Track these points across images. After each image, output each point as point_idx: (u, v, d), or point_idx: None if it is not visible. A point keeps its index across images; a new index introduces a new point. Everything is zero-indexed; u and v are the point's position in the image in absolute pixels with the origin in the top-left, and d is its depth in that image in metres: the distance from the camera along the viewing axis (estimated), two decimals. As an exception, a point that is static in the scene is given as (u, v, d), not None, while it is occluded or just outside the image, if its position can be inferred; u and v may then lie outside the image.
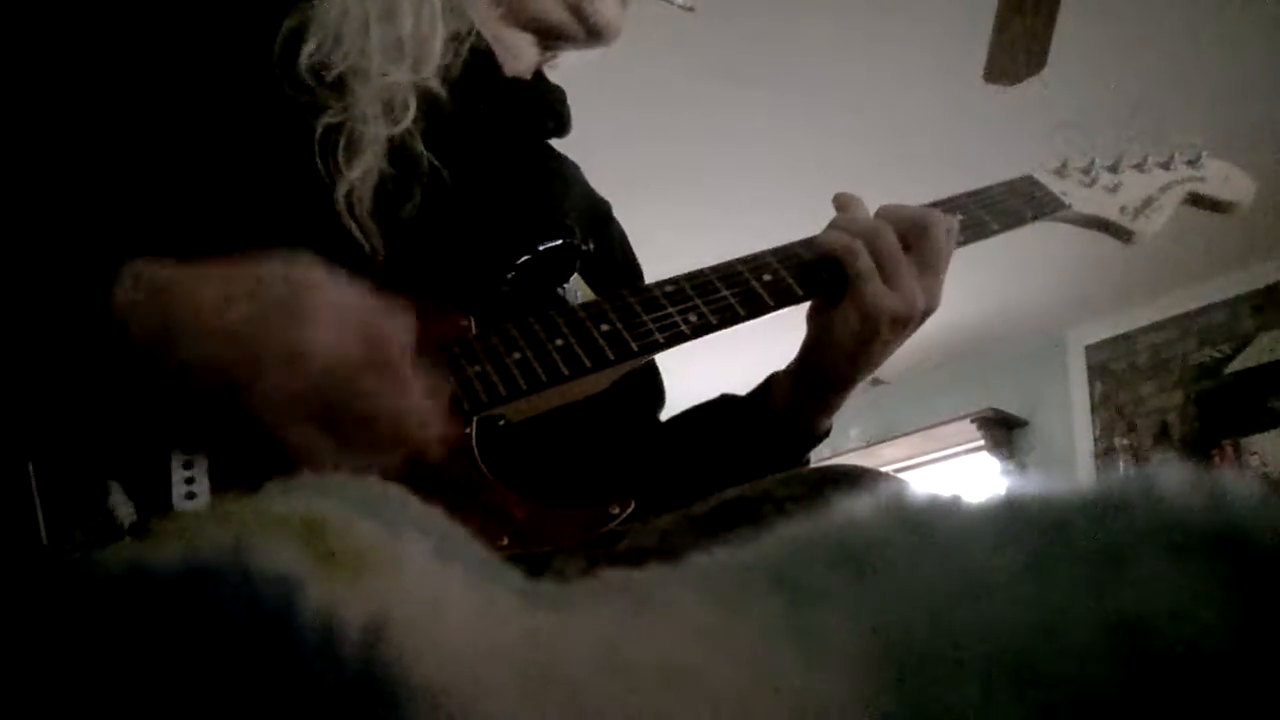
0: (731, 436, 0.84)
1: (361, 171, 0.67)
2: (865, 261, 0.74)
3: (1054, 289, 4.02)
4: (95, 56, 0.66)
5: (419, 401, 0.58)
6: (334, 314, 0.56)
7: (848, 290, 0.75)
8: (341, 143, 0.68)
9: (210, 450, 0.58)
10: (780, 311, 0.76)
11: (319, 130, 0.67)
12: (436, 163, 0.72)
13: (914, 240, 0.76)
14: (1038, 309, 4.19)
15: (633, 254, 0.97)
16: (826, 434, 0.83)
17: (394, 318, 0.58)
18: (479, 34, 0.81)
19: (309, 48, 0.69)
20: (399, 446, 0.58)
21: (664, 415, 0.93)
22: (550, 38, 0.90)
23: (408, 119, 0.70)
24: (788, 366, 0.82)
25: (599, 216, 0.95)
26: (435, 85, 0.73)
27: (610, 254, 0.92)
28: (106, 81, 0.66)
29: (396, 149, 0.70)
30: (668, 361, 0.82)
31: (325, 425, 0.56)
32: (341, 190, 0.67)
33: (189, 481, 0.56)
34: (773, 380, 0.84)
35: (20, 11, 0.67)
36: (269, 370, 0.54)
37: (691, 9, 0.94)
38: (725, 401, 0.88)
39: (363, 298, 0.58)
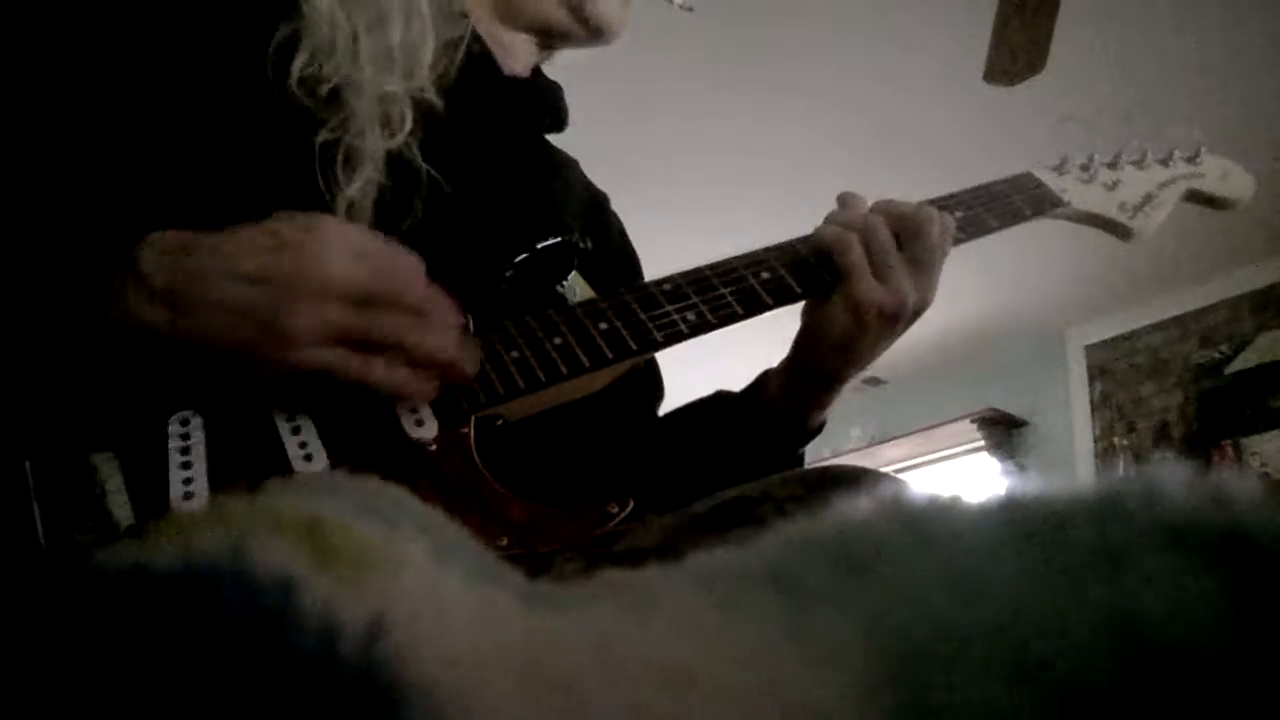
0: (726, 432, 0.84)
1: (361, 186, 0.67)
2: (857, 254, 0.74)
3: (1054, 289, 4.02)
4: (90, 77, 0.66)
5: (441, 319, 0.62)
6: (350, 245, 0.59)
7: (838, 284, 0.75)
8: (340, 158, 0.68)
9: (209, 419, 0.58)
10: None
11: (317, 146, 0.67)
12: (435, 174, 0.72)
13: (908, 237, 0.76)
14: (1038, 309, 4.19)
15: (631, 246, 0.97)
16: (820, 429, 0.83)
17: (405, 251, 0.62)
18: (478, 40, 0.81)
19: (300, 60, 0.69)
20: (429, 361, 0.61)
21: (661, 412, 0.92)
22: (550, 38, 0.89)
23: (404, 131, 0.70)
24: (781, 361, 0.82)
25: (597, 211, 0.95)
26: (432, 96, 0.73)
27: (608, 248, 0.92)
28: (102, 102, 0.66)
29: (395, 161, 0.70)
30: (668, 359, 0.82)
31: (356, 347, 0.59)
32: (342, 205, 0.67)
33: (184, 459, 0.56)
34: (766, 376, 0.84)
35: (15, 28, 0.66)
36: (298, 302, 0.57)
37: (690, 9, 0.94)
38: (720, 397, 0.88)
39: (374, 234, 0.62)
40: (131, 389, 0.57)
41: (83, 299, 0.56)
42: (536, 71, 0.92)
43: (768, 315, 0.75)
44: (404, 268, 0.61)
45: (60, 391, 0.56)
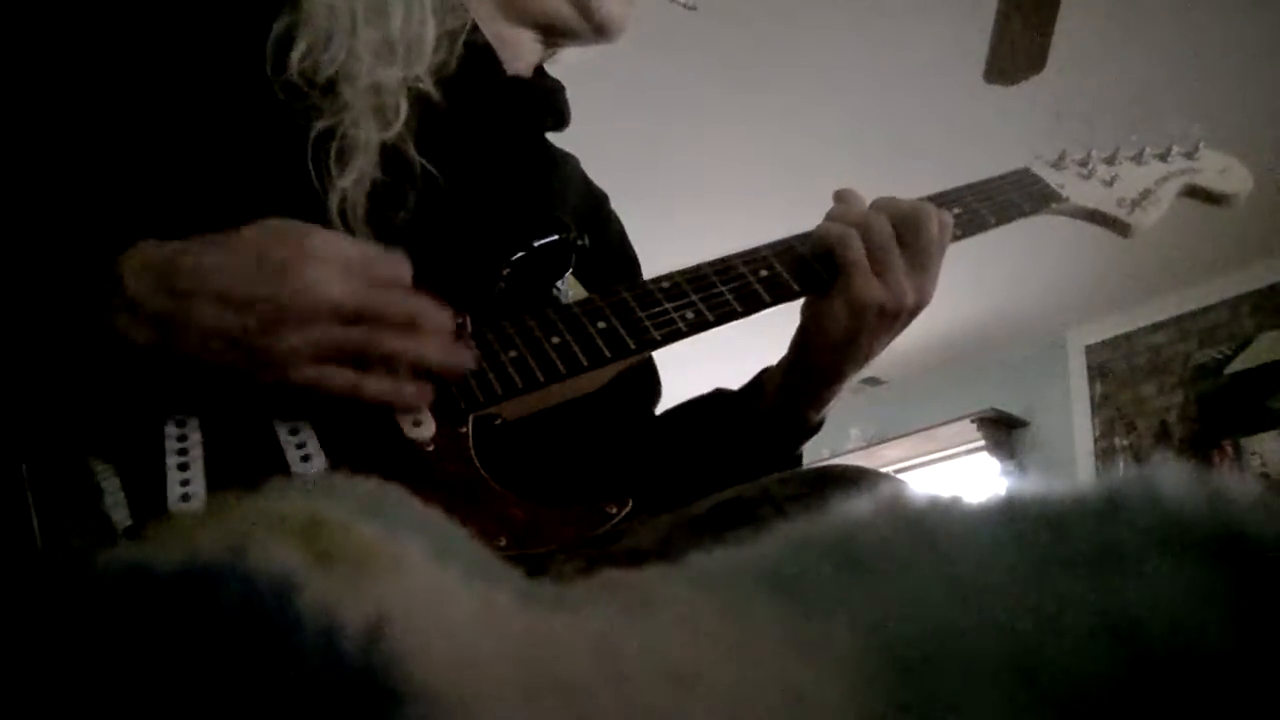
0: (725, 430, 0.84)
1: (354, 178, 0.67)
2: (856, 252, 0.74)
3: (1054, 289, 4.02)
4: (88, 66, 0.66)
5: (431, 324, 0.62)
6: (337, 259, 0.59)
7: (837, 281, 0.75)
8: (334, 149, 0.67)
9: (207, 429, 0.58)
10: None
11: (311, 137, 0.67)
12: (429, 167, 0.71)
13: (907, 234, 0.75)
14: (1038, 309, 4.19)
15: (629, 244, 0.97)
16: (819, 427, 0.83)
17: (391, 258, 0.62)
18: (479, 31, 0.81)
19: (299, 50, 0.68)
20: (419, 368, 0.62)
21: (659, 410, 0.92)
22: (555, 35, 0.89)
23: (399, 123, 0.70)
24: (781, 359, 0.82)
25: (595, 209, 0.94)
26: (428, 86, 0.73)
27: (606, 246, 0.92)
28: (99, 91, 0.66)
29: (389, 153, 0.70)
30: (669, 356, 0.82)
31: (345, 361, 0.59)
32: (335, 198, 0.67)
33: (182, 460, 0.56)
34: (765, 373, 0.84)
35: (13, 18, 0.66)
36: (284, 327, 0.57)
37: (693, 8, 0.94)
38: (718, 395, 0.88)
39: (359, 244, 0.62)
40: (126, 394, 0.57)
41: (73, 311, 0.56)
42: (540, 71, 0.92)
43: (768, 312, 0.75)
44: (391, 278, 0.61)
45: (55, 395, 0.56)
